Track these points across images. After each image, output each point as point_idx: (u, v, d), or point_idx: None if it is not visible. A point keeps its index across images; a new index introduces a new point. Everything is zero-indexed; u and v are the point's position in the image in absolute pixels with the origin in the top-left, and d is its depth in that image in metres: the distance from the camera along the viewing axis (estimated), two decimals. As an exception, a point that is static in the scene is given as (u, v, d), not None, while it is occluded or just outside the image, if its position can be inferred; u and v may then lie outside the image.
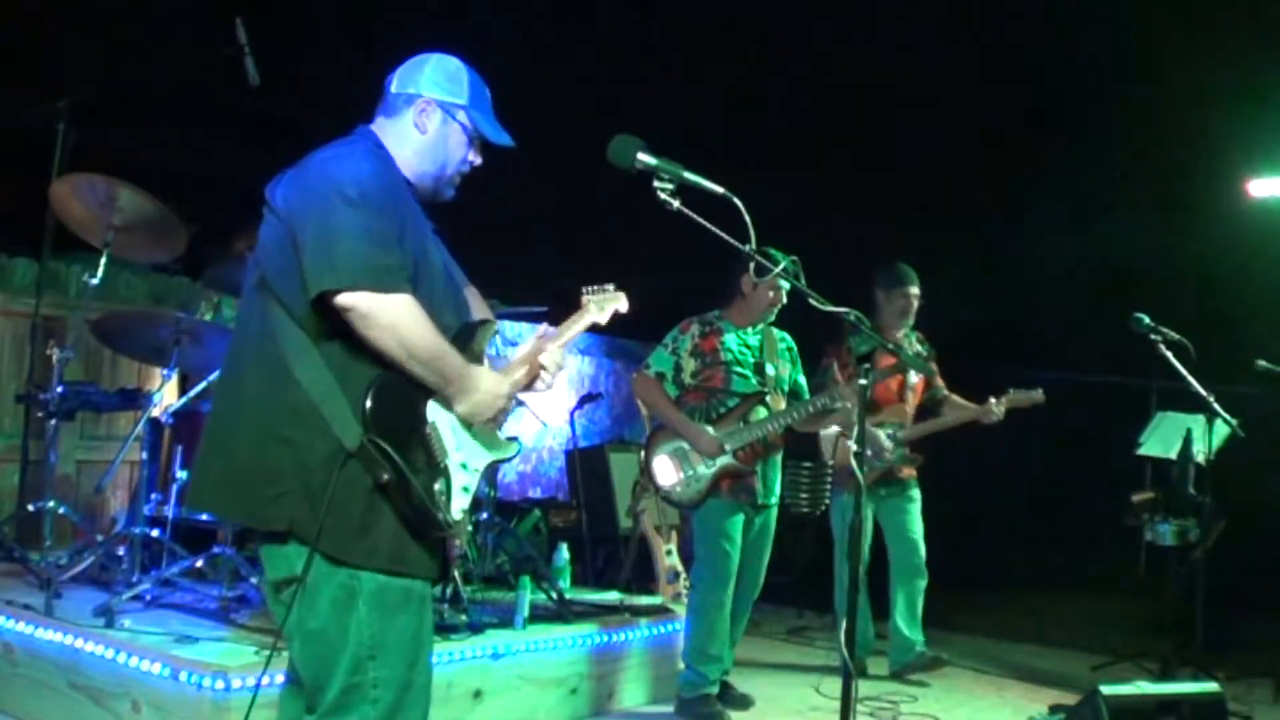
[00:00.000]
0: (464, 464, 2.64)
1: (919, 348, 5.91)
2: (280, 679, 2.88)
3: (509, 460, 2.88)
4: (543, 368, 2.83)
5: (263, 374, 2.53)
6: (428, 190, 2.78)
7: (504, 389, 2.69)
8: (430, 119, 2.74)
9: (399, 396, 2.51)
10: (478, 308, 2.86)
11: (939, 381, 5.98)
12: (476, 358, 2.71)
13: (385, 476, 2.45)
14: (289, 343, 2.49)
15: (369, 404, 2.46)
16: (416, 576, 2.57)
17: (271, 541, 2.57)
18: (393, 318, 2.45)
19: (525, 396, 6.19)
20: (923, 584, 5.90)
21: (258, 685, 3.10)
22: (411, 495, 2.48)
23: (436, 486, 2.55)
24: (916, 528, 5.89)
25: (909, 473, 5.89)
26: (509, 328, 7.15)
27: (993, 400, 5.68)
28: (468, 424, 2.65)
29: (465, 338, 2.69)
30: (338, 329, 2.47)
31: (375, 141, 2.72)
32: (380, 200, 2.51)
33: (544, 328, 2.94)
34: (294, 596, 2.50)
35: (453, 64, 2.80)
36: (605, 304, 3.07)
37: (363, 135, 2.74)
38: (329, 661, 2.49)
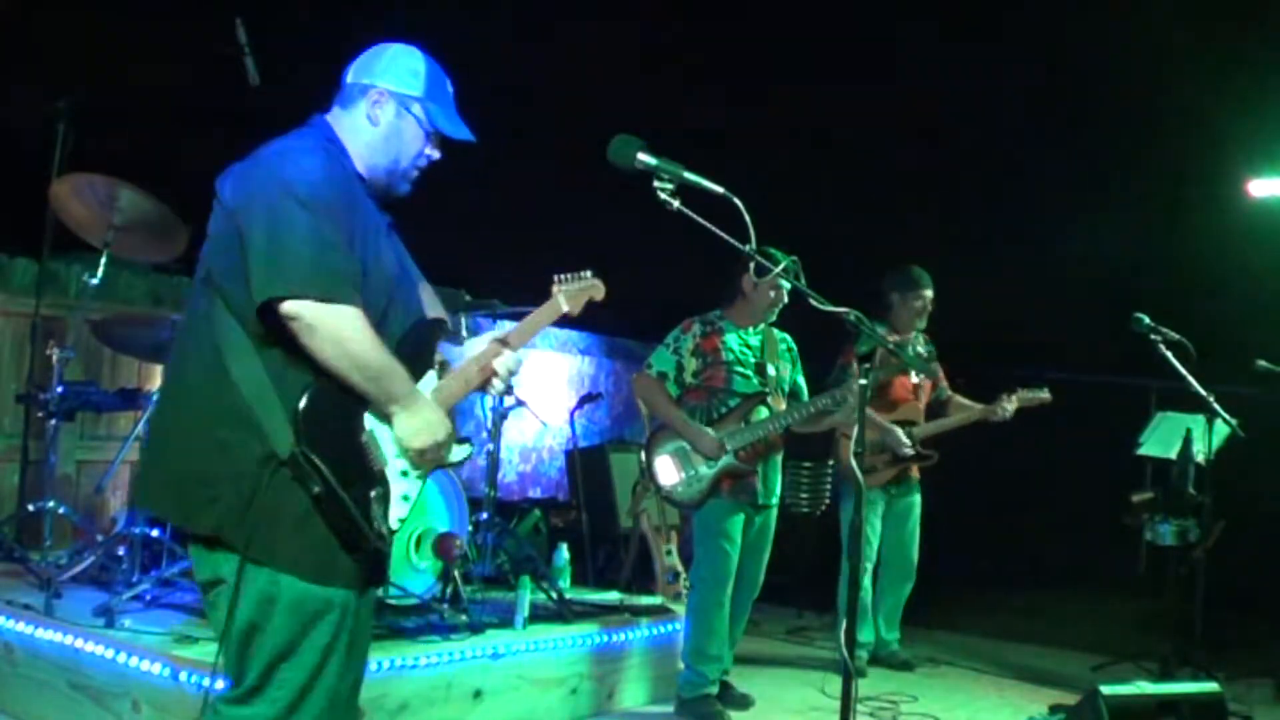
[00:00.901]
0: (404, 471, 2.59)
1: (921, 349, 5.92)
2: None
3: (457, 465, 2.80)
4: (494, 374, 2.76)
5: (201, 372, 2.48)
6: (381, 185, 2.71)
7: (440, 422, 2.60)
8: (384, 111, 2.66)
9: (335, 403, 2.46)
10: (431, 306, 2.78)
11: (944, 382, 6.02)
12: (428, 363, 2.67)
13: (316, 489, 2.41)
14: (229, 342, 2.44)
15: (302, 411, 2.40)
16: (343, 586, 2.52)
17: (199, 543, 2.54)
18: (337, 331, 2.39)
19: (525, 396, 6.19)
20: (909, 587, 5.95)
21: (212, 685, 3.05)
22: (342, 510, 2.44)
23: (373, 494, 2.51)
24: (915, 530, 5.94)
25: (917, 473, 5.94)
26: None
27: (1003, 398, 5.73)
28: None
29: (416, 342, 2.64)
30: (280, 333, 2.41)
31: (328, 134, 2.64)
32: (330, 201, 2.45)
33: (503, 327, 2.86)
34: (219, 597, 2.51)
35: (411, 55, 2.73)
36: (577, 294, 2.95)
37: (316, 127, 2.67)
38: (242, 657, 2.49)
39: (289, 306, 2.36)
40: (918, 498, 5.97)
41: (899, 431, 5.73)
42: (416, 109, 2.69)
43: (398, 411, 2.54)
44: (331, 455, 2.42)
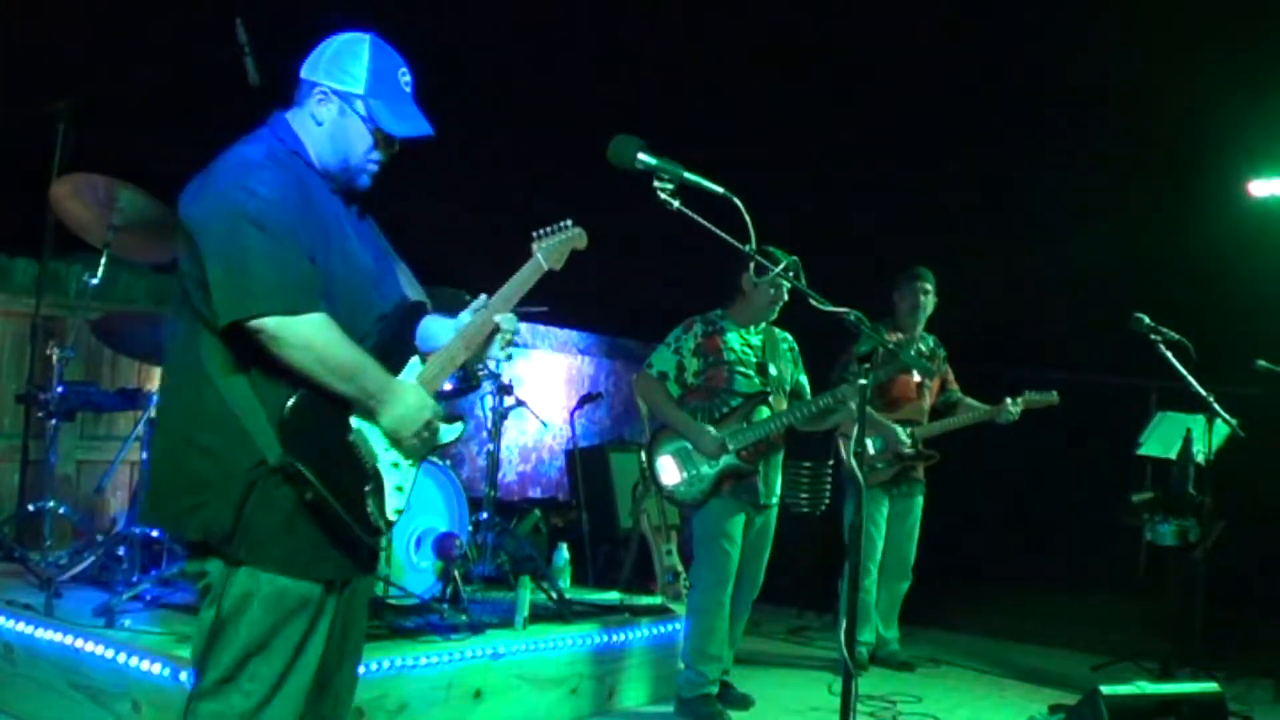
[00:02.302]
0: (395, 463, 2.61)
1: (921, 347, 5.93)
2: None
3: (448, 445, 2.80)
4: (495, 329, 2.71)
5: (187, 386, 2.52)
6: (339, 180, 2.68)
7: (426, 403, 2.61)
8: (327, 110, 2.63)
9: (319, 409, 2.49)
10: (411, 288, 2.78)
11: (953, 384, 6.01)
12: (408, 345, 2.69)
13: (308, 496, 2.46)
14: (211, 356, 2.48)
15: (287, 420, 2.44)
16: (324, 577, 2.56)
17: (190, 545, 2.59)
18: (304, 338, 2.42)
19: (525, 396, 6.19)
20: (906, 586, 5.97)
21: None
22: (333, 512, 2.49)
23: (367, 489, 2.55)
24: (914, 529, 5.96)
25: (921, 473, 5.95)
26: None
27: (1008, 400, 5.73)
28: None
29: (399, 326, 2.66)
30: (255, 346, 2.45)
31: (280, 134, 2.62)
32: (283, 217, 2.44)
33: (482, 298, 2.77)
34: (206, 590, 2.54)
35: (356, 46, 2.65)
36: (559, 247, 2.79)
37: (271, 126, 2.64)
38: (214, 648, 2.50)
39: (254, 324, 2.40)
40: (920, 498, 5.98)
41: (898, 430, 5.74)
42: (359, 105, 2.62)
43: (379, 405, 2.55)
44: (320, 460, 2.46)
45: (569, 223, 2.82)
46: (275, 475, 2.44)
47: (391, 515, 2.61)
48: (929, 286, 5.87)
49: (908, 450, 5.75)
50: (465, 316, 2.77)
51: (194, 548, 2.56)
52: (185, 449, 2.50)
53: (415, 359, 2.70)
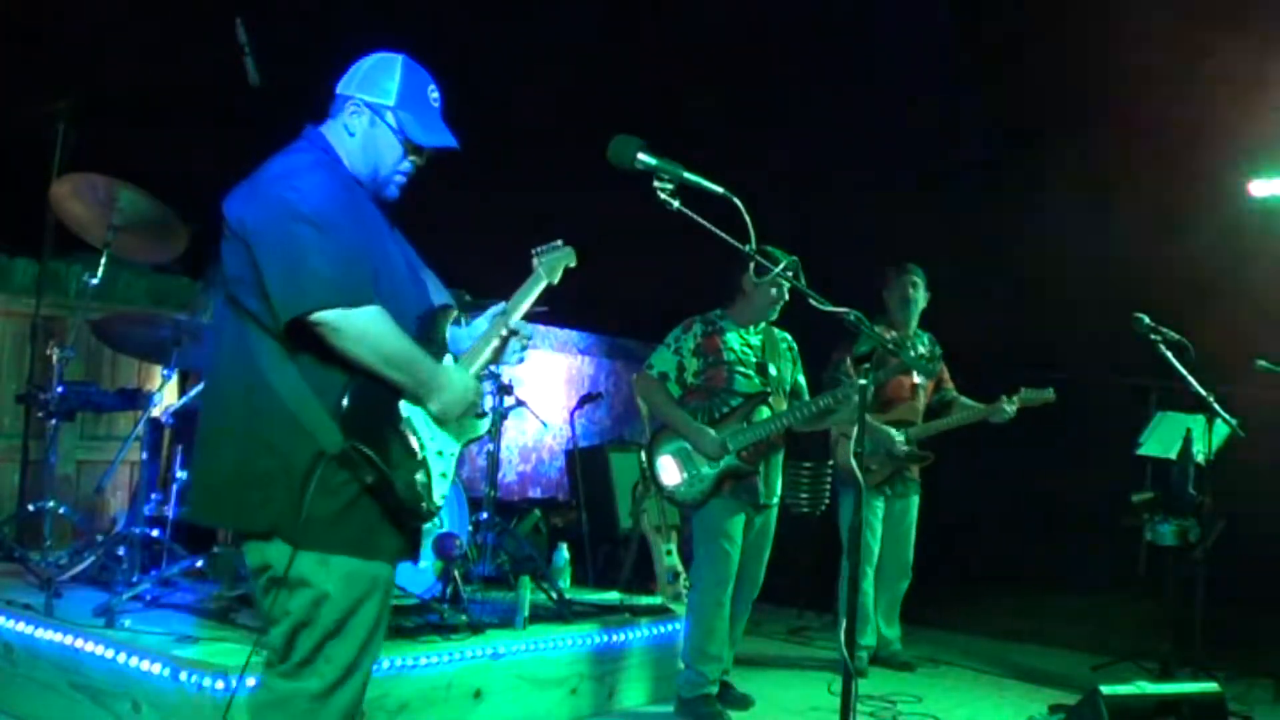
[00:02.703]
0: (439, 452, 2.73)
1: (921, 349, 5.91)
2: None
3: (480, 438, 2.95)
4: (513, 333, 2.89)
5: (241, 384, 2.62)
6: (370, 189, 2.82)
7: (471, 384, 2.76)
8: (358, 121, 2.78)
9: (373, 397, 2.60)
10: (437, 292, 2.92)
11: (949, 383, 6.01)
12: (441, 347, 2.79)
13: (370, 479, 2.57)
14: (263, 354, 2.58)
15: (346, 411, 2.55)
16: (386, 560, 2.69)
17: (254, 538, 2.68)
18: (363, 331, 2.54)
19: (525, 396, 6.18)
20: (905, 585, 5.97)
21: (240, 680, 3.10)
22: (395, 492, 2.61)
23: (418, 477, 2.66)
24: (911, 529, 5.96)
25: (916, 473, 5.95)
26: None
27: (1004, 398, 5.72)
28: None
29: (427, 329, 2.77)
30: (310, 341, 2.55)
31: (322, 146, 2.76)
32: (334, 216, 2.56)
33: (500, 304, 2.96)
34: (269, 583, 2.64)
35: (387, 64, 2.82)
36: (556, 265, 3.06)
37: (310, 140, 2.78)
38: (294, 633, 2.62)
39: (316, 317, 2.50)
40: (916, 498, 5.98)
41: (890, 431, 5.73)
42: (390, 118, 2.77)
43: (429, 392, 2.67)
44: (378, 445, 2.58)
45: (560, 242, 3.09)
46: (333, 463, 2.54)
47: (438, 500, 2.72)
48: (917, 280, 5.85)
49: (901, 450, 5.73)
50: (484, 322, 2.94)
51: (256, 542, 2.65)
52: (246, 446, 2.60)
53: (448, 357, 2.80)
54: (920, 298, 5.87)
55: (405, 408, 2.66)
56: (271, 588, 2.64)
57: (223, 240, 2.67)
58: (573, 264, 3.09)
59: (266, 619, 2.71)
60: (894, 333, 5.81)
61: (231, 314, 2.66)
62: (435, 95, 2.85)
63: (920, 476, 6.01)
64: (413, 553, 2.85)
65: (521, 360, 2.95)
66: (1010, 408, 5.70)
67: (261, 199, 2.59)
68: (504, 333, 2.89)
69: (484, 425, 2.88)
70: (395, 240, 2.84)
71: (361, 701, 2.72)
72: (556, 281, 3.05)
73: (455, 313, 2.90)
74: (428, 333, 2.77)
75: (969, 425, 5.87)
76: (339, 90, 2.82)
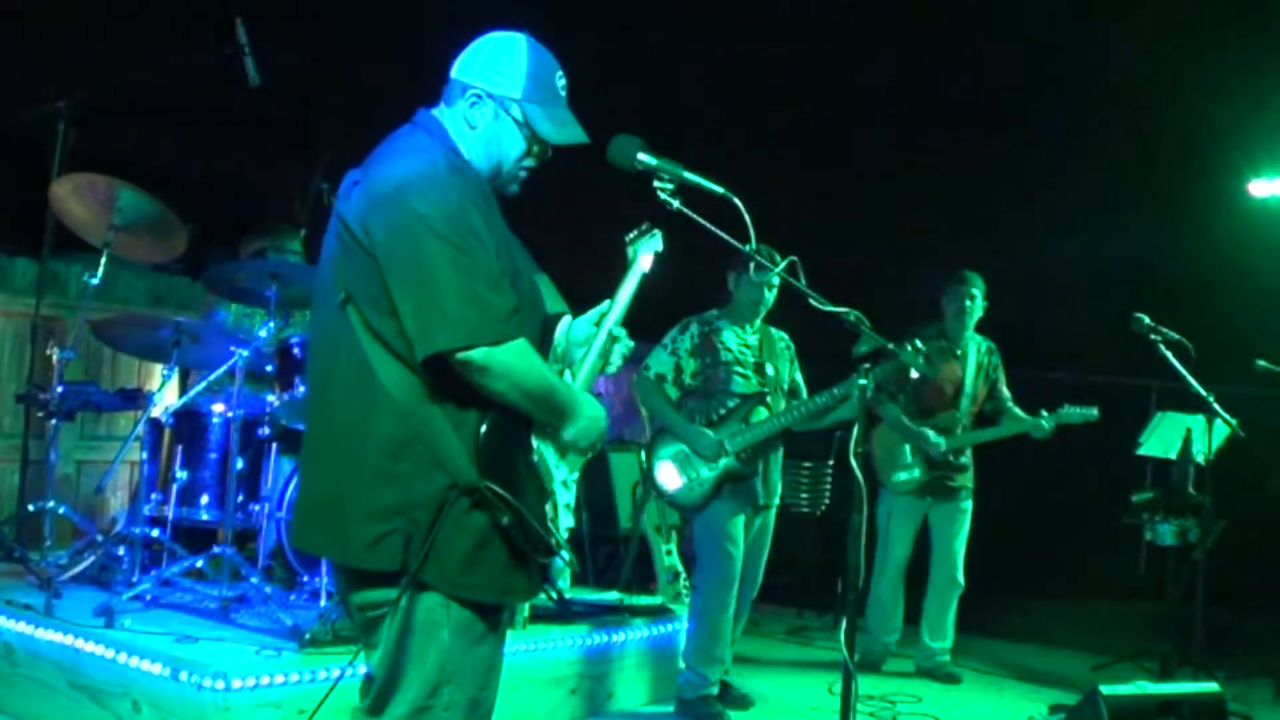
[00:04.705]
0: (564, 482, 2.57)
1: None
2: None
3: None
4: (614, 339, 2.69)
5: (361, 406, 2.38)
6: (489, 185, 2.55)
7: (602, 413, 2.56)
8: (482, 114, 2.50)
9: (509, 431, 2.42)
10: (552, 300, 2.69)
11: (1004, 392, 5.86)
12: (556, 359, 2.61)
13: (505, 520, 2.37)
14: (391, 377, 2.35)
15: (484, 446, 2.35)
16: (517, 600, 2.56)
17: (367, 574, 2.43)
18: (508, 367, 2.33)
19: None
20: (956, 595, 5.86)
21: (341, 676, 2.91)
22: (530, 533, 2.41)
23: (549, 509, 2.49)
24: (960, 541, 5.84)
25: (961, 483, 5.80)
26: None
27: (1043, 414, 5.54)
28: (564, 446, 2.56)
29: (543, 339, 2.56)
30: (445, 369, 2.32)
31: (446, 141, 2.49)
32: (471, 230, 2.32)
33: (605, 304, 2.74)
34: (377, 619, 2.43)
35: (513, 47, 2.53)
36: (645, 250, 2.84)
37: (433, 133, 2.50)
38: (405, 675, 2.42)
39: (461, 356, 2.29)
40: (965, 507, 5.82)
41: (928, 432, 5.60)
42: (516, 111, 2.50)
43: (564, 422, 2.50)
44: (512, 482, 2.39)
45: (647, 224, 2.86)
46: (464, 499, 2.34)
47: (563, 533, 2.55)
48: (975, 292, 5.71)
49: (939, 455, 5.61)
50: (586, 326, 2.71)
51: (371, 578, 2.41)
52: (366, 475, 2.36)
53: (557, 366, 2.63)
54: (977, 309, 5.73)
55: (536, 439, 2.48)
56: (378, 624, 2.42)
57: (336, 240, 2.43)
58: (660, 248, 2.86)
59: (368, 647, 2.49)
60: (944, 341, 5.72)
61: (352, 328, 2.38)
62: (563, 83, 2.56)
63: (971, 485, 5.84)
64: (541, 587, 2.68)
65: (618, 369, 2.74)
66: (1047, 424, 5.51)
67: (390, 207, 2.32)
68: (608, 338, 2.67)
69: (596, 447, 2.66)
70: (516, 244, 2.58)
71: None
72: (648, 268, 2.82)
73: (570, 320, 2.67)
74: (543, 342, 2.54)
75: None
76: (456, 75, 2.52)
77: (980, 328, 5.86)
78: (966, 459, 5.82)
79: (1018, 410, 5.76)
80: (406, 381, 2.35)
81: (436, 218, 2.29)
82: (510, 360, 2.33)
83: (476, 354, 2.28)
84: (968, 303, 5.71)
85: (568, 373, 2.64)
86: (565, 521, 2.57)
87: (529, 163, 2.58)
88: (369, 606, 2.45)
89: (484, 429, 2.36)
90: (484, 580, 2.41)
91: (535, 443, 2.48)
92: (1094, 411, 5.46)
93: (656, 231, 2.87)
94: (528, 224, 2.65)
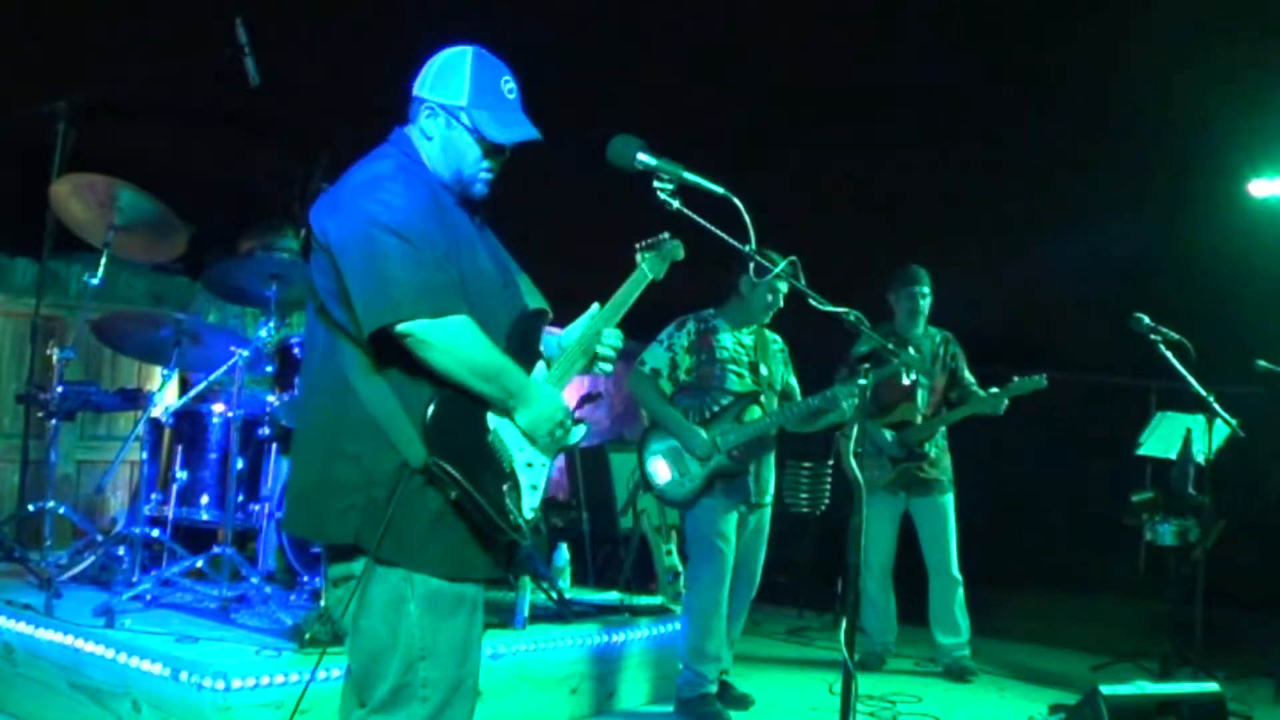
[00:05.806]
0: (529, 463, 2.66)
1: (911, 348, 5.90)
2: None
3: (576, 445, 2.85)
4: (601, 357, 2.79)
5: (326, 393, 2.60)
6: (456, 191, 2.73)
7: (558, 403, 2.68)
8: (436, 124, 2.69)
9: (460, 411, 2.54)
10: (532, 296, 2.81)
11: (966, 378, 5.91)
12: (535, 354, 2.72)
13: (454, 495, 2.49)
14: (351, 365, 2.54)
15: (430, 424, 2.48)
16: (476, 580, 2.63)
17: (338, 550, 2.63)
18: (449, 341, 2.48)
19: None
20: (957, 591, 5.87)
21: (311, 678, 3.01)
22: (479, 510, 2.52)
23: (505, 488, 2.59)
24: (946, 535, 5.86)
25: (938, 472, 5.86)
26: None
27: (994, 390, 5.64)
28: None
29: (521, 335, 2.70)
30: (396, 350, 2.49)
31: (405, 149, 2.69)
32: (417, 224, 2.51)
33: (595, 306, 2.85)
34: (350, 592, 2.57)
35: (458, 60, 2.70)
36: (661, 259, 2.92)
37: (395, 144, 2.71)
38: (379, 659, 2.55)
39: (401, 327, 2.45)
40: (942, 500, 5.87)
41: (884, 431, 5.72)
42: (464, 117, 2.67)
43: (517, 406, 2.61)
44: (463, 460, 2.50)
45: (667, 235, 2.93)
46: (418, 476, 2.48)
47: (528, 514, 2.66)
48: (925, 290, 5.82)
49: (892, 451, 5.69)
50: (580, 326, 2.83)
51: (339, 552, 2.61)
52: (330, 457, 2.55)
53: (541, 364, 2.74)
54: (926, 305, 5.84)
55: (493, 419, 2.59)
56: (348, 598, 2.57)
57: (311, 252, 2.64)
58: (680, 257, 2.94)
59: (339, 630, 2.67)
60: (895, 339, 5.76)
61: (322, 325, 2.62)
62: (510, 86, 2.73)
63: (947, 476, 5.91)
64: (505, 570, 2.75)
65: (609, 371, 2.82)
66: (1001, 400, 5.59)
67: (344, 210, 2.54)
68: (598, 339, 2.77)
69: (579, 433, 2.76)
70: (486, 243, 2.76)
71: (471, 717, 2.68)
72: (661, 277, 2.91)
73: (550, 317, 2.81)
74: (521, 339, 2.69)
75: (966, 421, 5.82)
76: (414, 92, 2.72)
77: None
78: (936, 450, 5.87)
79: (980, 392, 5.81)
80: (364, 367, 2.53)
81: (382, 212, 2.49)
82: (452, 334, 2.48)
83: (415, 325, 2.44)
84: (920, 302, 5.82)
85: (541, 365, 2.73)
86: (531, 501, 2.67)
87: (487, 164, 2.72)
88: (340, 580, 2.62)
89: (432, 407, 2.49)
90: (441, 555, 2.55)
91: (493, 424, 2.59)
92: (1042, 380, 5.59)
93: (676, 243, 2.93)
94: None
